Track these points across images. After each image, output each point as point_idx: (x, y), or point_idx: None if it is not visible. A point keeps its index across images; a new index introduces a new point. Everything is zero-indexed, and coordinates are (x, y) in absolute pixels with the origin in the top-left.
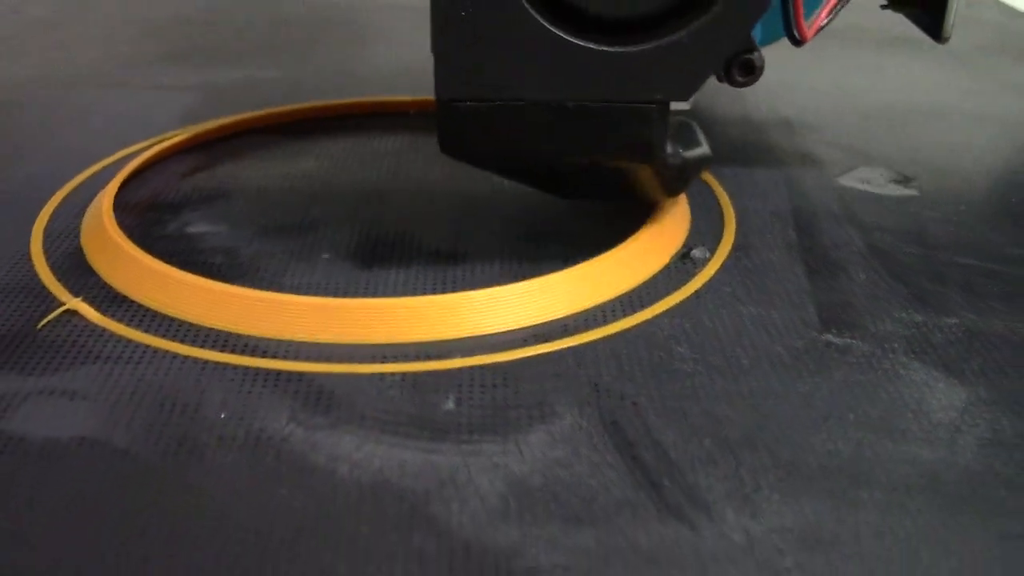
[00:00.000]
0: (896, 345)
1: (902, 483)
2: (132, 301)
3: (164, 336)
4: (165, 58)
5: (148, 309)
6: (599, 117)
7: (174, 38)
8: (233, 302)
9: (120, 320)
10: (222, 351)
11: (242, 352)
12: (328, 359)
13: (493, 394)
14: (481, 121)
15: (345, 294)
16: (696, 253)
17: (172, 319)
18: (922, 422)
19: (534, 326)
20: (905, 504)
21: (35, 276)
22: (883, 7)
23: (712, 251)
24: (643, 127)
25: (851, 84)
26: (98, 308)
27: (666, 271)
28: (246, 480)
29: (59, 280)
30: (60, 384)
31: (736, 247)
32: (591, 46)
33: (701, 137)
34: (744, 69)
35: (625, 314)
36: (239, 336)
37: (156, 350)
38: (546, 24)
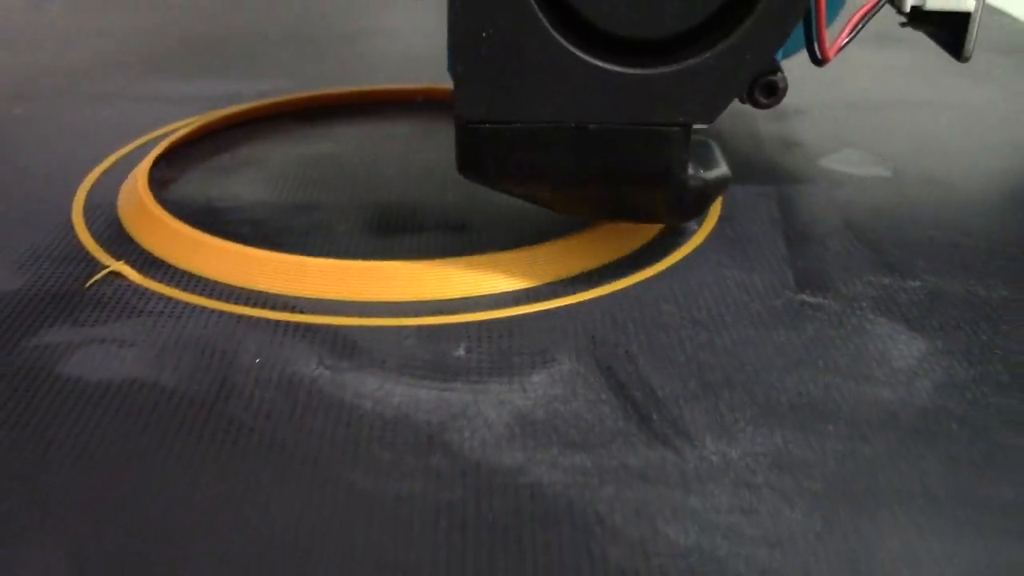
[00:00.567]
0: (864, 304)
1: (864, 418)
2: (169, 265)
3: (201, 295)
4: (184, 62)
5: (185, 272)
6: (621, 140)
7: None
8: (264, 264)
9: (159, 281)
10: (254, 307)
11: (273, 308)
12: (351, 314)
13: (499, 343)
14: (501, 143)
15: (363, 259)
16: (684, 226)
17: (208, 280)
18: (884, 368)
19: (536, 287)
20: (866, 435)
21: (79, 244)
22: (903, 25)
23: (699, 224)
24: (665, 150)
25: (834, 75)
26: (139, 271)
27: (656, 240)
28: (281, 414)
29: (101, 247)
30: (109, 335)
31: (721, 220)
32: (615, 68)
33: (720, 157)
34: (767, 91)
35: (618, 278)
36: (270, 295)
37: (194, 306)
38: (569, 46)
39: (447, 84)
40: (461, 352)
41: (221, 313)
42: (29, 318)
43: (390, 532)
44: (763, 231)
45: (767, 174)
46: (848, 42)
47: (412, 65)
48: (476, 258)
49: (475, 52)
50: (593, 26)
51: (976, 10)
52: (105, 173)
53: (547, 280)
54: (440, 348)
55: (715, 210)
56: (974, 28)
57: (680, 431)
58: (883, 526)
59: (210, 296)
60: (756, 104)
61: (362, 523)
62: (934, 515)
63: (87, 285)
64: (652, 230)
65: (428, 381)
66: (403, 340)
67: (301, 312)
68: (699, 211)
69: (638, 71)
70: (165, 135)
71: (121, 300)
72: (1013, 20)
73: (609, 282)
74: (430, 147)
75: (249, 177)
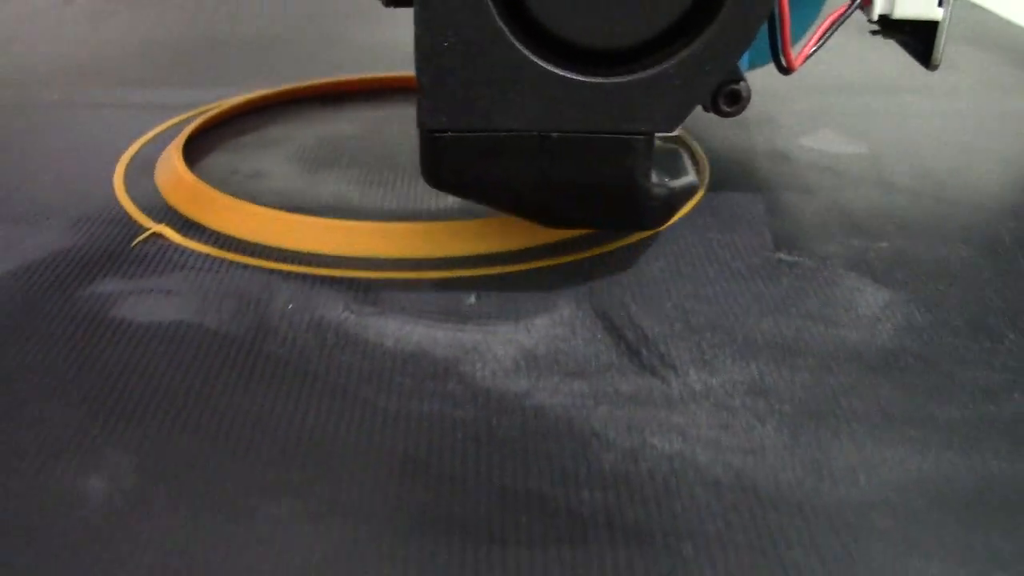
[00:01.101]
0: (836, 261)
1: (830, 355)
2: (206, 228)
3: (236, 252)
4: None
5: (220, 233)
6: (583, 149)
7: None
8: (294, 225)
9: (198, 241)
10: (285, 263)
11: (302, 263)
12: (373, 268)
13: (506, 293)
14: (465, 152)
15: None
16: None
17: (241, 240)
18: (850, 314)
19: (540, 246)
20: (831, 368)
21: (123, 210)
22: (873, 33)
23: None
24: (628, 159)
25: (816, 62)
26: (178, 232)
27: None
28: (312, 350)
29: (142, 212)
30: (155, 285)
31: (708, 191)
32: (576, 77)
33: (688, 165)
34: (730, 99)
35: (614, 239)
36: (299, 252)
37: (230, 262)
38: (530, 55)
39: None
40: (472, 300)
41: (255, 268)
42: (83, 271)
43: (412, 441)
44: (745, 200)
45: (751, 152)
46: (816, 50)
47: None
48: (486, 220)
49: (438, 62)
50: (555, 36)
51: (944, 18)
52: (140, 151)
53: (550, 240)
54: (454, 297)
55: (702, 183)
56: (942, 36)
57: (667, 364)
58: (843, 439)
59: (244, 253)
60: (720, 112)
61: (387, 435)
62: (888, 431)
63: (133, 244)
64: None
65: (443, 324)
66: (421, 290)
67: (328, 267)
68: (665, 219)
69: (600, 80)
70: (193, 118)
71: (164, 257)
72: (985, 13)
73: (606, 243)
74: None
75: (273, 153)
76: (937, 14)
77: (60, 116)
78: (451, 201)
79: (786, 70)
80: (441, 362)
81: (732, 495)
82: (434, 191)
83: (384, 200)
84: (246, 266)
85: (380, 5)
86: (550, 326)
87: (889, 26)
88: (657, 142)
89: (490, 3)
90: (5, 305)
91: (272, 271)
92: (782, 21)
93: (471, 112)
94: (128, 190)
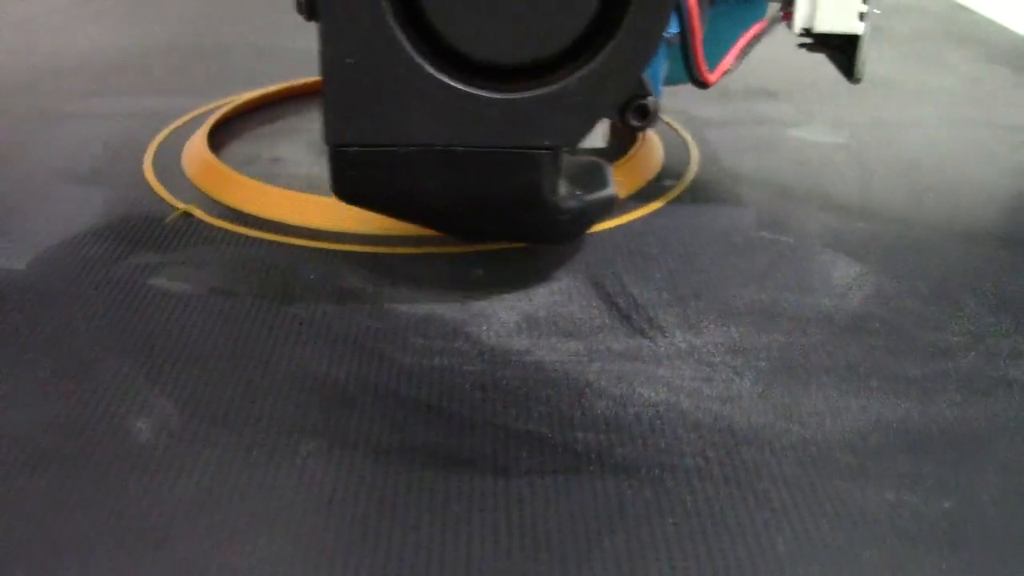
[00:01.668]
0: (814, 239)
1: (804, 318)
2: (232, 208)
3: (261, 229)
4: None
5: (247, 213)
6: (488, 163)
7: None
8: (314, 205)
9: (225, 219)
10: (307, 239)
11: (322, 240)
12: (390, 244)
13: (510, 267)
14: (371, 166)
15: None
16: (666, 182)
17: (265, 219)
18: (824, 284)
19: None
20: (805, 330)
21: (154, 192)
22: (800, 47)
23: (679, 179)
24: (532, 172)
25: (804, 60)
26: (206, 211)
27: (642, 190)
28: (334, 313)
29: (172, 194)
30: (187, 258)
31: (697, 177)
32: (478, 92)
33: (608, 178)
34: (639, 114)
35: (610, 218)
36: (319, 230)
37: (256, 238)
38: (433, 71)
39: None
40: (479, 272)
41: (280, 243)
42: (120, 245)
43: (425, 391)
44: (732, 184)
45: (740, 142)
46: (735, 66)
47: None
48: None
49: (341, 77)
50: (458, 52)
51: (865, 33)
52: (166, 140)
53: None
54: (462, 269)
55: (692, 169)
56: (863, 50)
57: (655, 326)
58: (812, 390)
59: (269, 231)
60: (629, 127)
61: (403, 385)
62: (853, 383)
63: (166, 220)
64: (640, 182)
65: (452, 292)
66: (432, 263)
67: (346, 243)
68: (577, 232)
69: (503, 95)
70: (213, 110)
71: (195, 233)
72: (970, 13)
73: (603, 222)
74: None
75: (291, 141)
76: (858, 28)
77: (88, 105)
78: None
79: (702, 84)
80: (450, 324)
81: (710, 435)
82: None
83: None
84: (270, 242)
85: None
86: (549, 294)
87: (816, 40)
88: (572, 156)
89: (392, 20)
90: (53, 276)
91: (294, 246)
92: (693, 38)
93: (376, 127)
94: (158, 175)
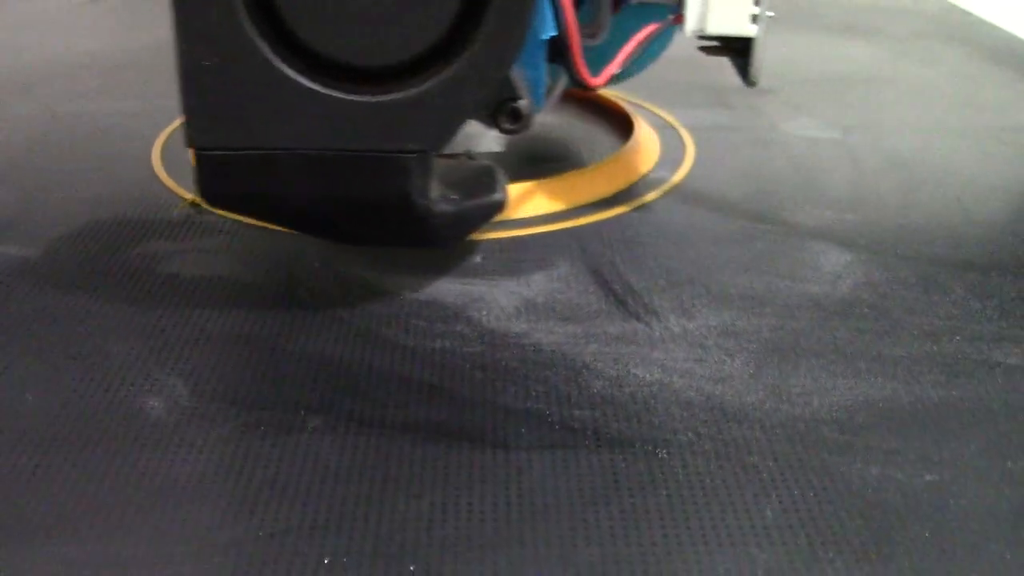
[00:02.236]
0: (805, 229)
1: (794, 304)
2: None
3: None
4: None
5: None
6: (354, 167)
7: None
8: None
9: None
10: None
11: None
12: None
13: (509, 254)
14: (237, 171)
15: None
16: (662, 175)
17: None
18: (815, 272)
19: (538, 216)
20: (794, 315)
21: (163, 184)
22: (700, 48)
23: (674, 171)
24: (399, 176)
25: (802, 59)
26: None
27: (639, 183)
28: (338, 298)
29: (180, 186)
30: (196, 246)
31: (692, 170)
32: (339, 95)
33: (498, 183)
34: (512, 117)
35: (605, 209)
36: None
37: (262, 228)
38: (292, 74)
39: None
40: (478, 259)
41: (284, 233)
42: (130, 234)
43: (427, 371)
44: (727, 176)
45: (734, 136)
46: (620, 70)
47: None
48: None
49: (200, 81)
50: (317, 55)
51: (759, 35)
52: (174, 133)
53: (547, 211)
54: (462, 257)
55: (689, 162)
56: (758, 52)
57: (650, 311)
58: (801, 370)
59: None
60: (502, 130)
61: (405, 365)
62: (840, 364)
63: (176, 209)
64: (636, 173)
65: (452, 278)
66: (432, 252)
67: None
68: (456, 236)
69: (364, 99)
70: None
71: (203, 223)
72: (964, 14)
73: (597, 213)
74: None
75: None
76: (750, 31)
77: (98, 102)
78: None
79: (586, 87)
80: (451, 308)
81: (702, 413)
82: None
83: None
84: (276, 231)
85: None
86: (547, 281)
87: (715, 43)
88: (469, 160)
89: (248, 23)
90: (63, 264)
91: (298, 236)
92: (570, 40)
93: (238, 131)
94: (166, 168)
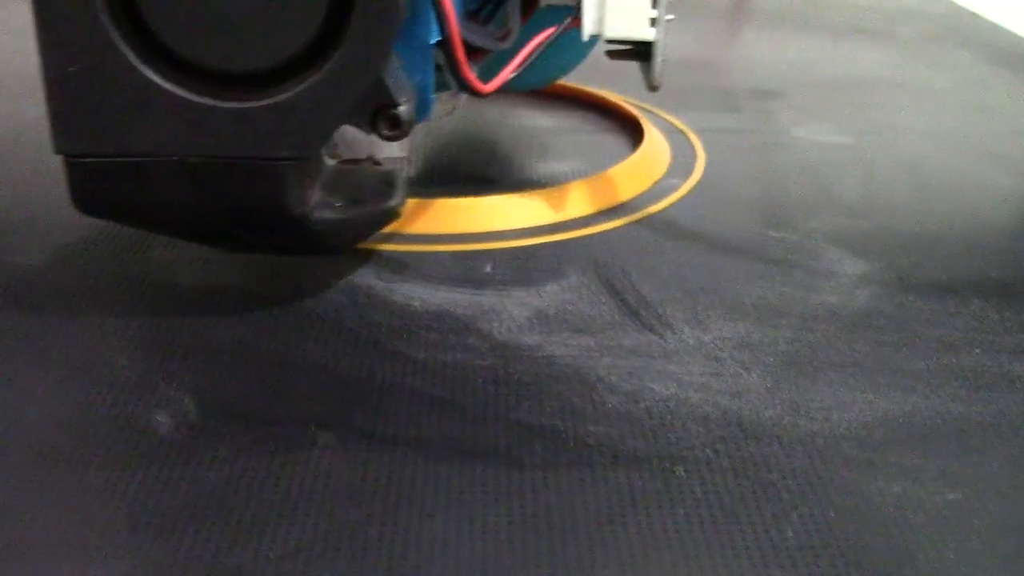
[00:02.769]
0: (820, 237)
1: (810, 314)
2: None
3: None
4: None
5: None
6: (226, 174)
7: None
8: None
9: None
10: None
11: None
12: (400, 242)
13: (519, 264)
14: (107, 178)
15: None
16: (673, 181)
17: None
18: (831, 282)
19: (549, 224)
20: (811, 327)
21: None
22: (605, 52)
23: (686, 178)
24: (274, 183)
25: (811, 62)
26: None
27: (649, 190)
28: (346, 310)
29: None
30: (200, 255)
31: (703, 177)
32: (208, 102)
33: (397, 191)
34: (391, 123)
35: (617, 218)
36: None
37: None
38: (158, 80)
39: None
40: (488, 269)
41: None
42: (134, 244)
43: (439, 383)
44: (739, 184)
45: (745, 141)
46: (513, 75)
47: None
48: (500, 197)
49: (65, 87)
50: (183, 59)
51: (658, 39)
52: None
53: (557, 219)
54: (472, 267)
55: (700, 169)
56: (658, 57)
57: (664, 322)
58: (819, 385)
59: None
60: (381, 136)
61: (417, 379)
62: (860, 378)
63: None
64: (647, 180)
65: (462, 289)
66: (441, 261)
67: None
68: (342, 244)
69: (233, 105)
70: None
71: None
72: (973, 16)
73: (609, 221)
74: (457, 120)
75: None
76: (649, 35)
77: None
78: (469, 189)
79: (475, 93)
80: (462, 320)
81: (720, 429)
82: (454, 173)
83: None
84: None
85: None
86: (559, 291)
87: (618, 53)
88: (373, 165)
89: (112, 28)
90: (66, 272)
91: None
92: (453, 46)
93: (106, 137)
94: None
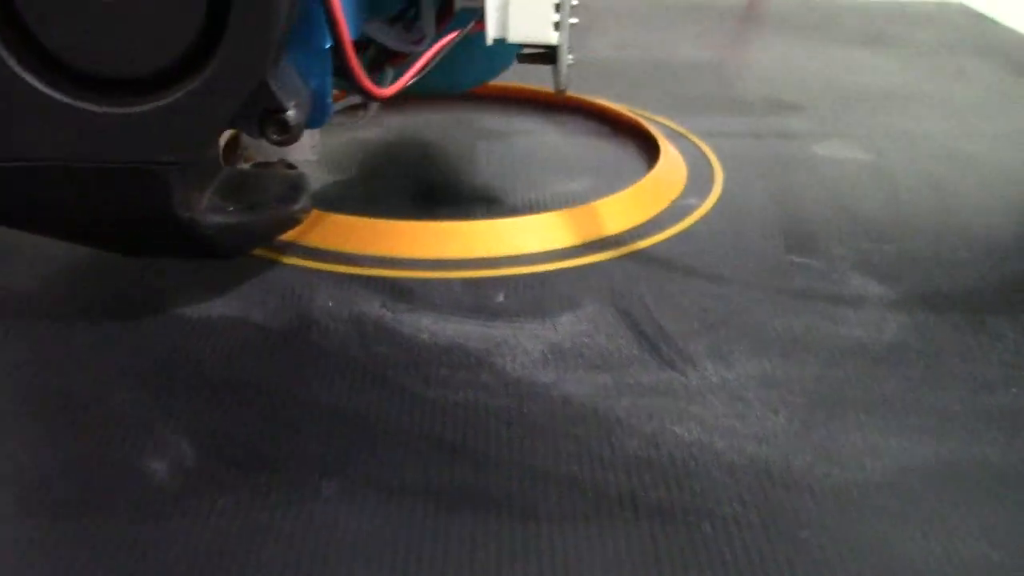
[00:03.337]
0: (844, 263)
1: (838, 350)
2: None
3: (275, 252)
4: None
5: None
6: (111, 179)
7: None
8: (330, 226)
9: None
10: (324, 262)
11: (339, 262)
12: (407, 268)
13: (532, 292)
14: None
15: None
16: (690, 202)
17: (280, 241)
18: (858, 313)
19: (563, 248)
20: (839, 362)
21: None
22: (517, 55)
23: (704, 198)
24: (158, 188)
25: (830, 73)
26: None
27: (667, 211)
28: (353, 342)
29: None
30: (200, 281)
31: (722, 196)
32: (87, 107)
33: (302, 195)
34: (279, 128)
35: (634, 241)
36: (336, 252)
37: (272, 260)
38: (37, 84)
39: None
40: (501, 298)
41: (295, 266)
42: (132, 270)
43: (449, 426)
44: (759, 205)
45: (764, 158)
46: (411, 80)
47: None
48: (512, 220)
49: None
50: (63, 64)
51: (562, 43)
52: None
53: (572, 243)
54: (483, 295)
55: (718, 188)
56: (563, 60)
57: (685, 358)
58: (849, 427)
59: (284, 253)
60: (270, 140)
61: (425, 419)
62: (892, 420)
63: None
64: (664, 202)
65: (473, 320)
66: (452, 289)
67: (363, 266)
68: (235, 249)
69: (112, 110)
70: None
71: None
72: (995, 24)
73: (626, 245)
74: (462, 133)
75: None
76: (552, 38)
77: None
78: (475, 209)
79: (369, 96)
80: (473, 354)
81: (747, 478)
82: (458, 192)
83: (413, 201)
84: (285, 265)
85: None
86: (575, 322)
87: (528, 57)
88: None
89: None
90: (61, 298)
91: (311, 269)
92: (344, 50)
93: None
94: None
